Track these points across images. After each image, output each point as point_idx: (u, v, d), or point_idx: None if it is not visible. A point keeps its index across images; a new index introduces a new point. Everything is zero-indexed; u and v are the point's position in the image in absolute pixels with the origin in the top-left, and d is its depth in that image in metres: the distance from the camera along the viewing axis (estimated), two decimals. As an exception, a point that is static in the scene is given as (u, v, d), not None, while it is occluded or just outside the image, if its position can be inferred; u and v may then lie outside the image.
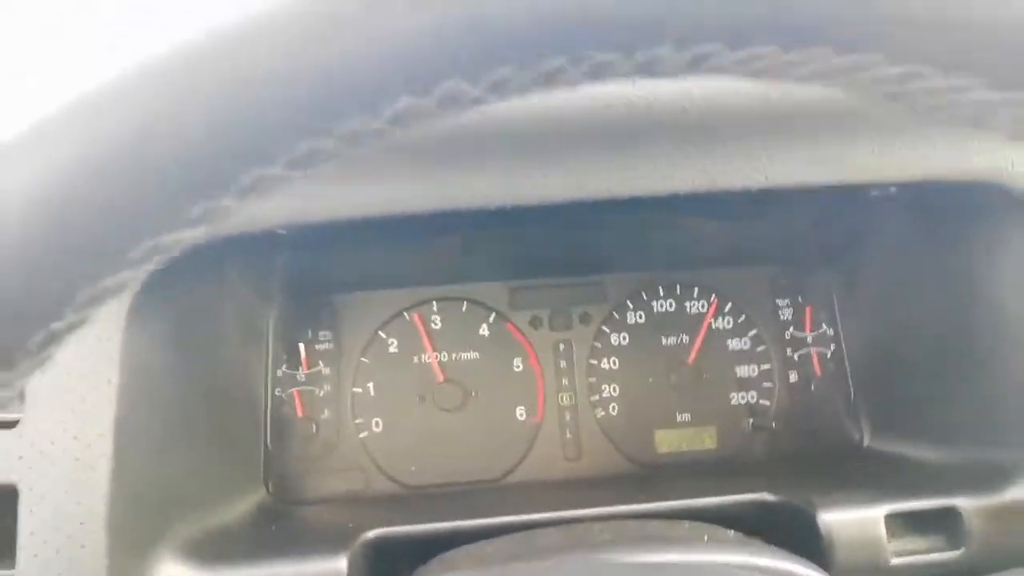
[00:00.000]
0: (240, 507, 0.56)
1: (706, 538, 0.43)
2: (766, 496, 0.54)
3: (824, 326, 0.68)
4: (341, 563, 0.47)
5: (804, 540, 0.50)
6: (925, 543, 0.50)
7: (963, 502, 0.51)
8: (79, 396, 0.44)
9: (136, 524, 0.45)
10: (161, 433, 0.48)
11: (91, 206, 0.19)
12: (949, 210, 0.55)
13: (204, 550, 0.48)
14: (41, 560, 0.42)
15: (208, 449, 0.54)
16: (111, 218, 0.20)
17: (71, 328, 0.21)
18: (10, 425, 0.43)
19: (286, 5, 0.19)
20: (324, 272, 0.64)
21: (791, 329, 0.68)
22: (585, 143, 0.46)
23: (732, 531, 0.46)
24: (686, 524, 0.48)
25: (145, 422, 0.46)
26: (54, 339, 0.21)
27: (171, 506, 0.49)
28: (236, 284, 0.58)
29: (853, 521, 0.50)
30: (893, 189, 0.52)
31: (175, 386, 0.50)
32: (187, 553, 0.47)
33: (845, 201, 0.55)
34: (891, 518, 0.50)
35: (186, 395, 0.51)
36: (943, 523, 0.51)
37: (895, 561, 0.49)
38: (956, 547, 0.50)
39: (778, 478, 0.58)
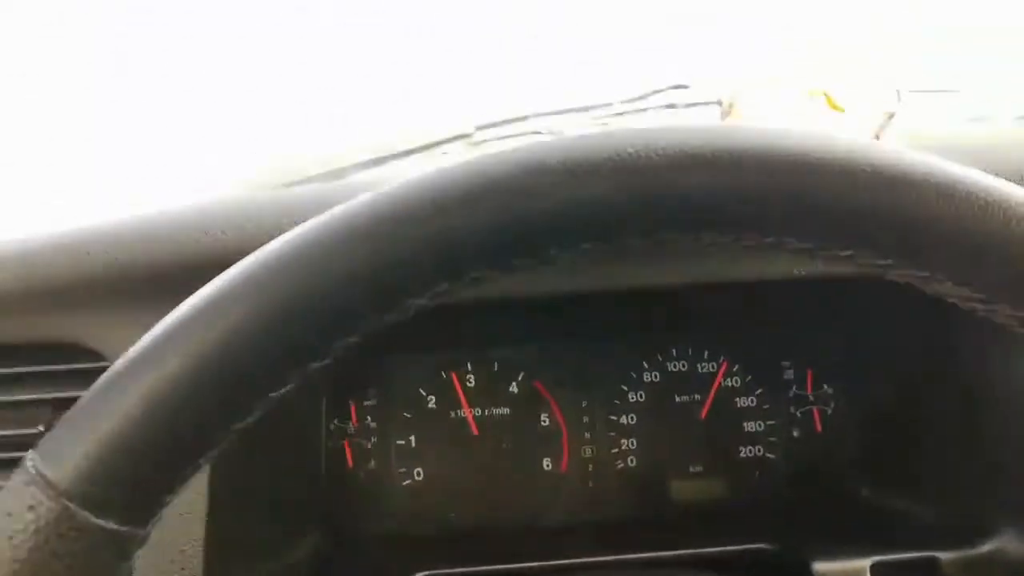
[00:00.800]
0: (300, 550, 0.63)
1: None
2: (767, 546, 0.61)
3: (825, 386, 0.75)
4: None
5: None
6: None
7: (944, 554, 0.57)
8: None
9: (225, 569, 0.52)
10: (242, 489, 0.55)
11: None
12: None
13: None
14: None
15: (275, 499, 0.62)
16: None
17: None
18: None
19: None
20: (372, 338, 0.72)
21: (794, 388, 0.75)
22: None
23: None
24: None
25: (230, 480, 0.54)
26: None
27: (249, 551, 0.56)
28: None
29: (842, 570, 0.57)
30: None
31: (252, 446, 0.57)
32: None
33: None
34: (876, 567, 0.56)
35: (260, 452, 0.59)
36: (924, 572, 0.57)
37: None
38: None
39: (779, 527, 0.65)
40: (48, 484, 0.27)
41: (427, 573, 0.60)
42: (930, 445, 0.65)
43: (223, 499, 0.53)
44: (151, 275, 0.54)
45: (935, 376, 0.65)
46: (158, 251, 0.55)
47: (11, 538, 0.27)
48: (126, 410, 0.27)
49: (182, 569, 0.50)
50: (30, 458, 0.28)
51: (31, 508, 0.27)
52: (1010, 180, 0.29)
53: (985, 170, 0.29)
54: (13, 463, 0.28)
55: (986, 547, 0.58)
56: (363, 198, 0.29)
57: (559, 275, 0.61)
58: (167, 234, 0.56)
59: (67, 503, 0.27)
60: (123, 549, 0.28)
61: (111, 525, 0.27)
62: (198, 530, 0.51)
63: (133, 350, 0.28)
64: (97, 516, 0.27)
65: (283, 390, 0.29)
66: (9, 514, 0.27)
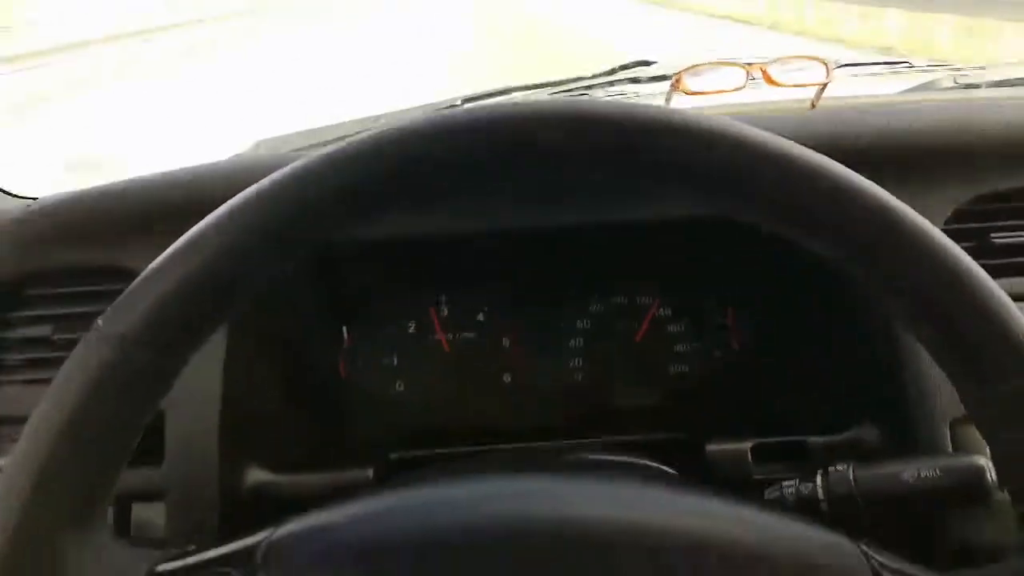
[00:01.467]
0: (301, 437, 0.79)
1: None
2: (676, 434, 0.76)
3: (742, 319, 0.89)
4: (369, 472, 0.70)
5: (696, 464, 0.71)
6: (780, 466, 0.71)
7: (812, 438, 0.72)
8: (201, 356, 0.66)
9: (235, 442, 0.68)
10: (252, 382, 0.71)
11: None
12: None
13: (278, 463, 0.71)
14: (178, 460, 0.65)
15: (279, 393, 0.77)
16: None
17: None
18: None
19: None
20: (363, 275, 0.87)
21: (717, 318, 0.89)
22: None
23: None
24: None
25: (241, 373, 0.69)
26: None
27: (256, 430, 0.72)
28: (302, 281, 0.81)
29: (728, 450, 0.71)
30: None
31: (259, 346, 0.73)
32: (267, 464, 0.70)
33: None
34: (756, 448, 0.71)
35: (265, 353, 0.74)
36: (797, 453, 0.71)
37: (756, 476, 0.70)
38: (800, 468, 0.70)
39: (691, 422, 0.79)
40: (111, 334, 0.41)
41: (400, 454, 0.75)
42: (814, 359, 0.79)
43: (235, 393, 0.69)
44: (178, 214, 0.69)
45: (823, 306, 0.79)
46: (185, 196, 0.70)
47: (84, 372, 0.40)
48: (165, 281, 0.42)
49: (201, 437, 0.66)
50: (99, 320, 0.42)
51: (98, 352, 0.41)
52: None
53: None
54: None
55: (846, 435, 0.72)
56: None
57: (525, 212, 0.75)
58: (191, 184, 0.71)
59: (126, 346, 0.40)
60: (166, 379, 0.43)
61: (158, 360, 0.42)
62: (213, 407, 0.67)
63: (169, 248, 0.43)
64: (148, 354, 0.41)
65: (269, 268, 0.43)
66: (82, 357, 0.41)
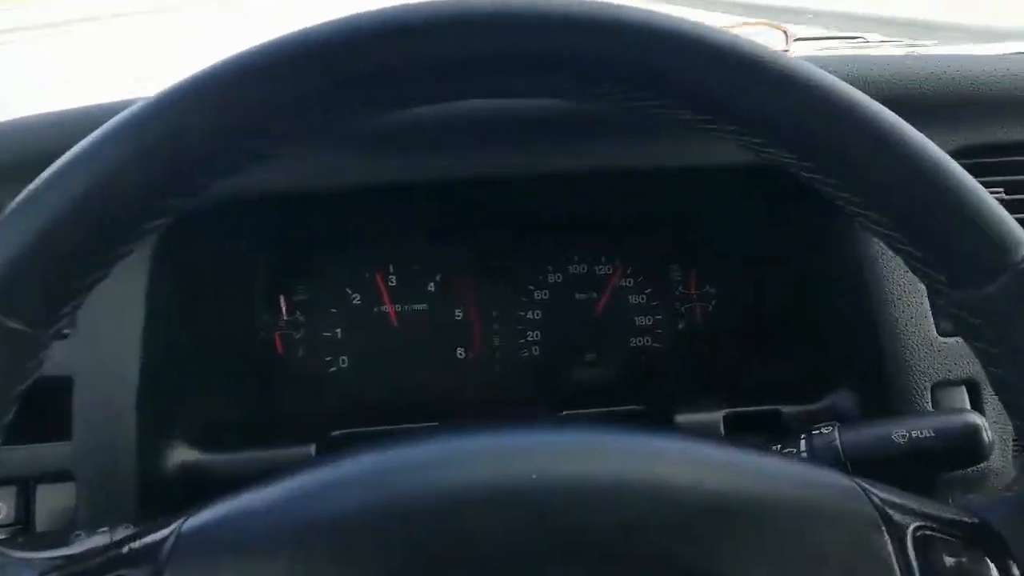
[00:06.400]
0: (232, 414, 0.72)
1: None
2: (639, 407, 0.71)
3: (707, 286, 0.84)
4: (311, 449, 0.63)
5: None
6: (755, 438, 0.67)
7: (785, 408, 0.68)
8: (115, 319, 0.59)
9: (156, 416, 0.60)
10: (175, 352, 0.64)
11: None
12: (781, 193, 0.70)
13: (207, 440, 0.64)
14: (89, 434, 0.57)
15: (207, 365, 0.70)
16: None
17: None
18: (64, 336, 0.58)
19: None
20: (302, 237, 0.80)
21: (679, 288, 0.85)
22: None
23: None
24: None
25: (162, 341, 0.62)
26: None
27: (180, 407, 0.64)
28: (233, 243, 0.74)
29: (700, 420, 0.66)
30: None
31: (185, 318, 0.65)
32: (195, 441, 0.63)
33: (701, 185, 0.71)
34: (728, 417, 0.66)
35: (192, 327, 0.67)
36: (771, 423, 0.67)
37: None
38: (776, 438, 0.66)
39: (657, 395, 0.74)
40: None
41: (342, 432, 0.69)
42: (783, 328, 0.76)
43: (156, 362, 0.61)
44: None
45: (792, 271, 0.75)
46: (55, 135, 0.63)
47: None
48: (21, 238, 0.33)
49: (117, 410, 0.58)
50: None
51: None
52: None
53: None
54: None
55: (822, 403, 0.68)
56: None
57: (476, 159, 0.68)
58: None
59: None
60: (30, 348, 0.35)
61: (19, 326, 0.33)
62: (132, 378, 0.59)
63: (23, 194, 0.34)
64: (7, 318, 0.33)
65: (141, 227, 0.35)
66: None
